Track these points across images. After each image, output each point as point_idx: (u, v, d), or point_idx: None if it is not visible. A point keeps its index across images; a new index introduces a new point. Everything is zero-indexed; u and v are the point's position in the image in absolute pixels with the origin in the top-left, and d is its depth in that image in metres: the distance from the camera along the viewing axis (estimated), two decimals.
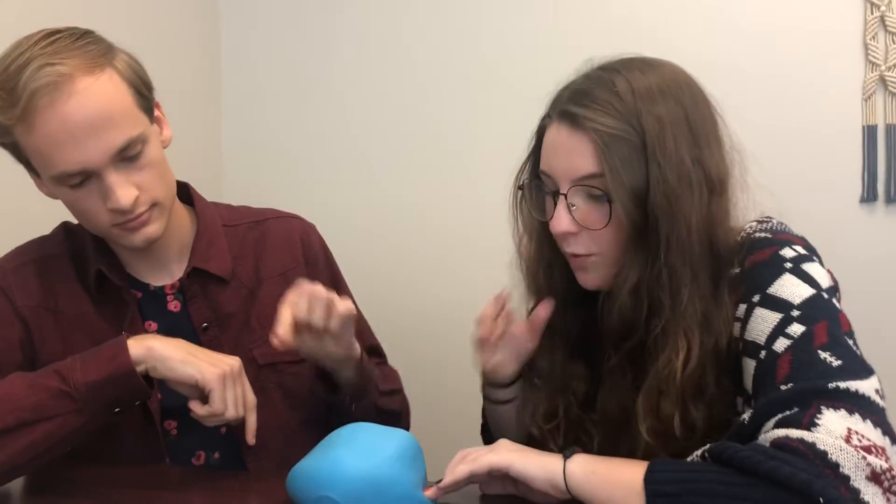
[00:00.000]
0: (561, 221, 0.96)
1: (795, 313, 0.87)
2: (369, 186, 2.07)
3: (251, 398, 1.06)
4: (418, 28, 2.01)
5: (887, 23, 1.69)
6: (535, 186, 1.02)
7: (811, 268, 0.92)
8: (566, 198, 0.95)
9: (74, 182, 1.03)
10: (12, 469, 0.99)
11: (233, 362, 1.04)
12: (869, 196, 1.73)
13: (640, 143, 0.91)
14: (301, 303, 1.02)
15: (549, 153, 0.98)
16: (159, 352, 1.01)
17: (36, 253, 1.17)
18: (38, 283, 1.14)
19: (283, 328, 1.00)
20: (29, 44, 1.00)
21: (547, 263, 1.05)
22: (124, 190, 1.03)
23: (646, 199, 0.91)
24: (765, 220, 0.99)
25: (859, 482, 0.74)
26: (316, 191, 2.08)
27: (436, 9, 1.99)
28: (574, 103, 0.94)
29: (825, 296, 0.89)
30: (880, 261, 1.74)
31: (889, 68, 1.70)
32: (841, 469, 0.74)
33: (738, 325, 0.92)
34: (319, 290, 1.02)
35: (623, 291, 0.95)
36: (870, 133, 1.72)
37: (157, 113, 1.12)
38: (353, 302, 1.34)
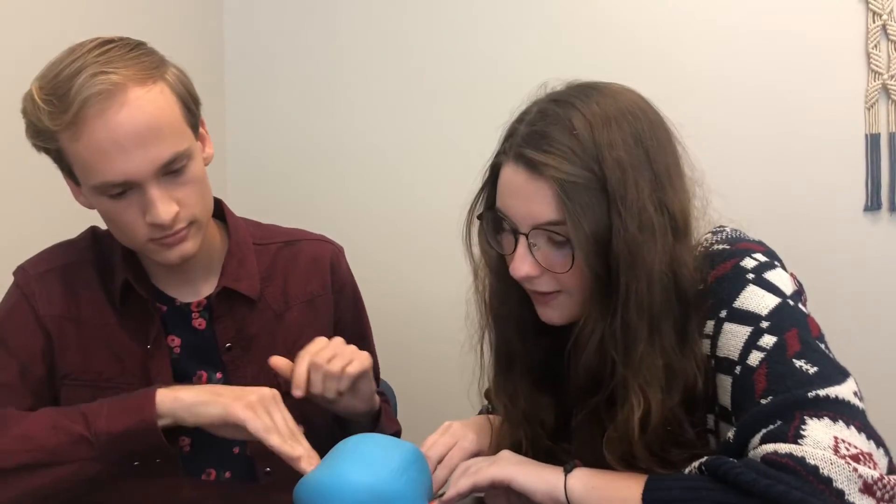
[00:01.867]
0: (522, 266, 0.93)
1: (765, 324, 0.86)
2: (373, 190, 2.09)
3: (291, 422, 1.01)
4: (423, 31, 2.02)
5: (889, 31, 1.70)
6: (493, 219, 0.98)
7: (774, 275, 0.90)
8: (527, 238, 0.92)
9: (115, 192, 1.02)
10: None
11: (263, 391, 1.01)
12: (873, 204, 1.73)
13: (602, 189, 0.88)
14: (315, 379, 1.04)
15: (507, 195, 0.94)
16: (185, 400, 0.98)
17: (61, 259, 1.16)
18: (62, 291, 1.13)
19: (298, 388, 1.03)
20: (82, 51, 1.00)
21: (505, 294, 1.01)
22: (165, 205, 1.02)
23: (608, 247, 0.88)
24: (718, 230, 0.97)
25: (853, 496, 0.73)
26: (319, 196, 2.10)
27: (441, 10, 2.01)
28: (531, 146, 0.90)
29: (791, 302, 0.88)
30: (884, 268, 1.74)
31: (892, 77, 1.70)
32: (834, 484, 0.74)
33: (707, 342, 0.90)
34: (334, 366, 1.04)
35: (589, 347, 0.91)
36: (873, 142, 1.72)
37: (201, 130, 1.11)
38: (370, 330, 1.35)
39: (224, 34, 2.16)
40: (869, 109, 1.72)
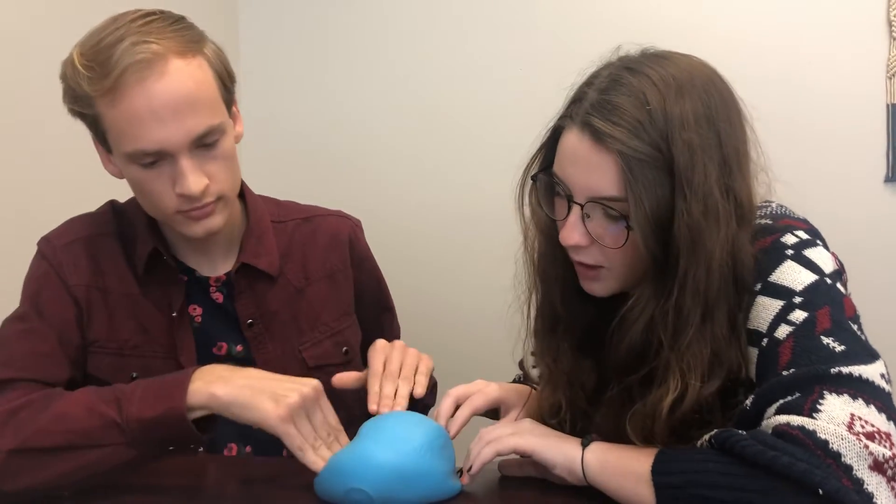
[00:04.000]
0: (572, 234, 0.91)
1: (797, 300, 0.85)
2: (388, 181, 2.09)
3: (333, 420, 1.00)
4: (435, 23, 2.02)
5: None
6: (546, 182, 0.96)
7: (813, 253, 0.89)
8: (582, 208, 0.90)
9: (147, 161, 1.03)
10: (58, 486, 0.98)
11: (305, 390, 0.97)
12: (894, 175, 1.72)
13: (667, 168, 0.85)
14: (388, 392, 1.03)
15: (567, 161, 0.91)
16: (221, 399, 0.95)
17: (85, 230, 1.17)
18: (88, 261, 1.14)
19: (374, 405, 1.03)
20: (125, 21, 1.01)
21: (553, 256, 1.00)
22: (196, 177, 1.03)
23: (668, 230, 0.86)
24: (763, 205, 0.95)
25: (862, 472, 0.73)
26: (333, 185, 2.10)
27: (454, 5, 2.00)
28: (600, 116, 0.87)
29: (828, 281, 0.87)
30: None
31: None
32: (843, 459, 0.74)
33: (740, 315, 0.89)
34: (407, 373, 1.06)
35: (636, 326, 0.90)
36: (894, 112, 1.70)
37: (234, 108, 1.13)
38: (391, 298, 1.38)
39: (239, 19, 2.16)
40: (890, 79, 1.70)
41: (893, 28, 1.69)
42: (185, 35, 1.03)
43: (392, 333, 1.37)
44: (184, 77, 1.01)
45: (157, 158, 1.03)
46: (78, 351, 1.12)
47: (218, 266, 1.20)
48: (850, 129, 1.74)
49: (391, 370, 1.06)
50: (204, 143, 1.04)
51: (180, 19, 1.06)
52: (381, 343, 1.11)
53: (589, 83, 0.92)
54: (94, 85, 0.99)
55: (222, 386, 0.96)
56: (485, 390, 1.05)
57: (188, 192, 1.03)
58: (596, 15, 1.88)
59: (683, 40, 1.78)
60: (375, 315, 1.34)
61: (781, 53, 1.76)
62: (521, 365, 1.17)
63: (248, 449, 1.19)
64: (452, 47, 2.01)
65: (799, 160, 1.74)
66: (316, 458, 0.94)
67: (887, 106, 1.71)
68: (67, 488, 0.99)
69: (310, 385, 0.98)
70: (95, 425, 0.96)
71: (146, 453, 0.97)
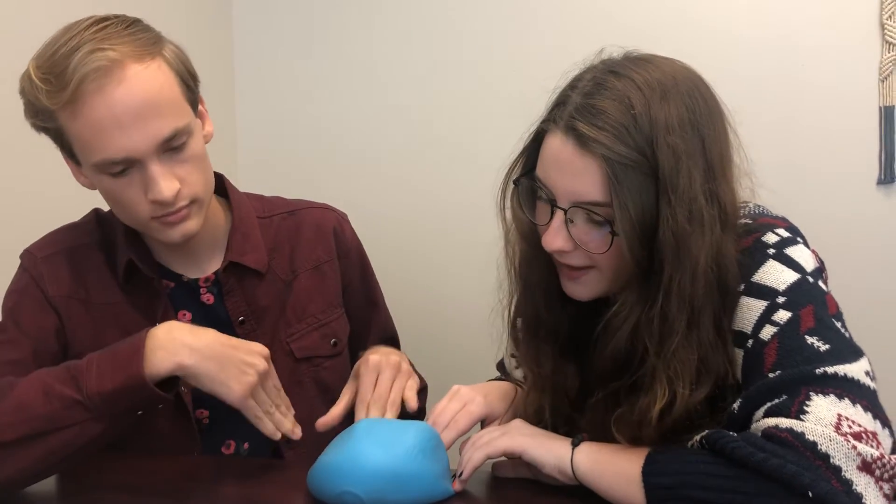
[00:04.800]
0: (555, 239, 0.91)
1: (781, 300, 0.86)
2: (380, 180, 2.09)
3: (277, 382, 1.06)
4: (428, 23, 2.02)
5: None
6: (529, 186, 0.96)
7: (795, 251, 0.89)
8: (565, 213, 0.90)
9: (116, 171, 1.01)
10: (32, 476, 0.98)
11: (258, 363, 1.01)
12: (886, 177, 1.72)
13: (652, 174, 0.84)
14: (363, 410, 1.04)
15: (550, 165, 0.90)
16: (191, 370, 0.97)
17: (67, 242, 1.16)
18: (69, 272, 1.14)
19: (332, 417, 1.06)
20: (79, 29, 0.99)
21: (534, 261, 1.00)
22: (167, 181, 1.02)
23: (653, 236, 0.85)
24: (741, 205, 0.95)
25: (850, 473, 0.74)
26: (329, 184, 2.10)
27: (447, 6, 2.00)
28: (584, 120, 0.86)
29: (810, 279, 0.87)
30: None
31: None
32: (831, 460, 0.74)
33: (725, 320, 0.89)
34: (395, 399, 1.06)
35: (621, 332, 0.90)
36: (887, 114, 1.70)
37: (200, 107, 1.11)
38: (380, 293, 1.38)
39: (233, 16, 2.16)
40: (883, 81, 1.70)
41: (886, 31, 1.69)
42: (140, 38, 1.01)
43: (379, 329, 1.36)
44: (143, 81, 0.99)
45: (126, 166, 1.01)
46: (55, 360, 1.10)
47: (206, 267, 1.19)
48: (844, 131, 1.74)
49: (380, 393, 1.05)
50: (171, 147, 1.03)
51: (135, 22, 1.04)
52: (372, 362, 1.09)
53: (572, 86, 0.92)
54: (52, 98, 0.97)
55: (189, 355, 0.97)
56: (468, 408, 1.03)
57: (160, 197, 1.02)
58: (586, 15, 1.88)
59: (677, 42, 1.80)
60: (362, 309, 1.33)
61: (775, 55, 1.76)
62: (500, 367, 1.16)
63: (246, 445, 1.19)
64: (440, 49, 2.00)
65: (792, 162, 1.76)
66: (273, 428, 1.03)
67: (880, 108, 1.71)
68: (48, 475, 0.98)
69: (262, 358, 1.03)
70: (56, 407, 0.94)
71: (115, 423, 0.97)
